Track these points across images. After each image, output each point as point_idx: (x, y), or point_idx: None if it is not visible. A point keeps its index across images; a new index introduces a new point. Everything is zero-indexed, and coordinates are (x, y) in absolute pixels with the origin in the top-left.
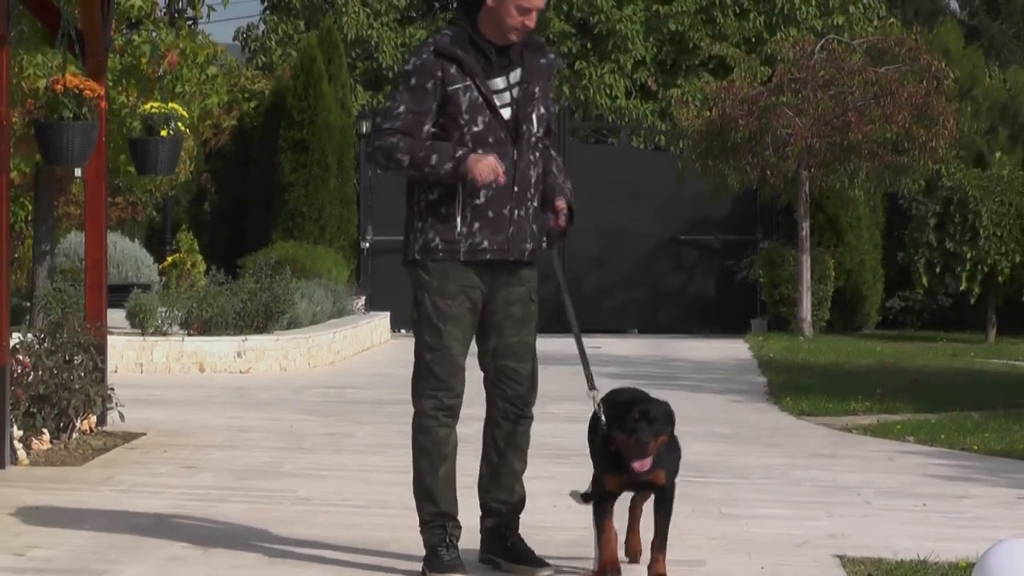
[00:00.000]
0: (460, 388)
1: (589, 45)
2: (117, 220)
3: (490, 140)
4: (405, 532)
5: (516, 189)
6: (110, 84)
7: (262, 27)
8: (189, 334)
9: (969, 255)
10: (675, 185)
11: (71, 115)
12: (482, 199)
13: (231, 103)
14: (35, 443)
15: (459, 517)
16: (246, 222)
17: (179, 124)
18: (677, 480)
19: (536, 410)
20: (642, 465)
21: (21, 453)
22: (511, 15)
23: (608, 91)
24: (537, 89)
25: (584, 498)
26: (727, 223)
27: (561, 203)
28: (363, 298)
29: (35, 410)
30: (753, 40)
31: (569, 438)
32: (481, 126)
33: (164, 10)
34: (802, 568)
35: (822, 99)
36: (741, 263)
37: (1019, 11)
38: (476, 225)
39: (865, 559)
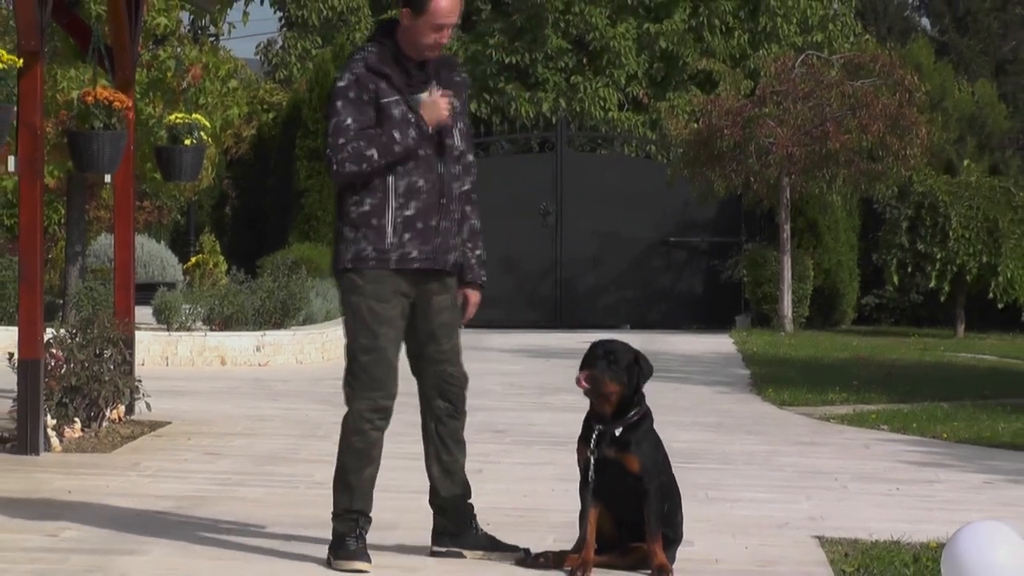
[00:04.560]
0: (395, 389)
1: (585, 60)
2: (144, 223)
3: (420, 152)
4: (413, 514)
5: (443, 201)
6: (137, 96)
7: (280, 42)
8: (211, 329)
9: (939, 256)
10: (665, 191)
11: (101, 125)
12: (412, 210)
13: (251, 114)
14: (67, 431)
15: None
16: (265, 225)
17: (202, 134)
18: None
19: (535, 400)
20: (586, 378)
21: (54, 441)
22: (425, 34)
23: (602, 103)
24: (456, 104)
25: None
26: (713, 226)
27: (474, 296)
28: None
29: (67, 400)
30: (738, 56)
31: (566, 427)
32: (410, 140)
33: (188, 27)
34: (783, 548)
35: (802, 111)
36: (726, 263)
37: (986, 29)
38: (406, 236)
39: (842, 539)
